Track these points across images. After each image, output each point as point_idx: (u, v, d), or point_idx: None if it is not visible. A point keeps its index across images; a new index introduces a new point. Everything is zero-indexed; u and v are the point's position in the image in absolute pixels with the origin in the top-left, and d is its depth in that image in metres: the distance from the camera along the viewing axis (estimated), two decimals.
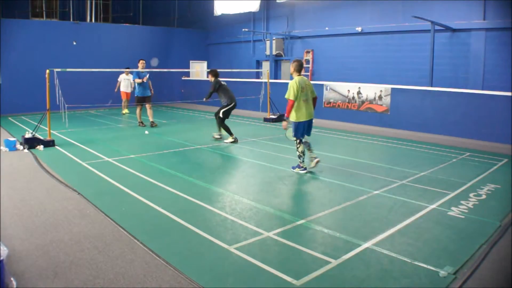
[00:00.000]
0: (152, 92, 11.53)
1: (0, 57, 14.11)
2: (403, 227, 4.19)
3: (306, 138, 6.41)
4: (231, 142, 8.88)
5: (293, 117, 6.24)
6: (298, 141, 6.33)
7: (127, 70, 13.97)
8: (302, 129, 6.26)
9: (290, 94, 6.11)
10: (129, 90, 14.34)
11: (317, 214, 4.57)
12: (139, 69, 11.05)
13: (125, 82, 14.30)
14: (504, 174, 6.51)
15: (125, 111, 14.62)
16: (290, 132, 6.48)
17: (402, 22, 12.68)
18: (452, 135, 9.97)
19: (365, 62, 13.82)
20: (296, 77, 6.23)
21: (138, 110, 11.35)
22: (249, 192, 5.50)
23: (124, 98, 14.52)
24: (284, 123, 6.44)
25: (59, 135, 9.65)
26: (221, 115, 9.05)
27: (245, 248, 3.65)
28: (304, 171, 6.34)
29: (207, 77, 9.54)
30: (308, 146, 6.40)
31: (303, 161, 6.38)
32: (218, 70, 9.49)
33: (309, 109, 6.26)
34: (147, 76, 11.05)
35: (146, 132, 10.41)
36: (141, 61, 11.21)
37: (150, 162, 7.09)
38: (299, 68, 6.28)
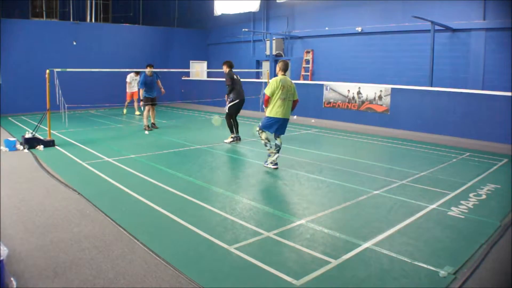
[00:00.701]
0: (163, 91, 11.13)
1: (0, 57, 14.11)
2: (403, 227, 4.19)
3: (279, 141, 6.65)
4: (230, 142, 8.83)
5: (268, 111, 6.48)
6: (260, 131, 6.59)
7: (136, 70, 13.60)
8: (274, 126, 6.47)
9: (267, 90, 6.40)
10: (135, 90, 13.97)
11: (317, 214, 4.57)
12: (147, 73, 10.53)
13: (134, 83, 13.86)
14: (504, 174, 6.51)
15: (125, 111, 14.49)
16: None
17: (402, 22, 12.68)
18: (452, 135, 9.97)
19: (365, 62, 13.81)
20: (280, 76, 6.44)
21: (146, 112, 10.64)
22: (249, 192, 5.50)
23: (129, 98, 14.25)
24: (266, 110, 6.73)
25: (59, 135, 9.65)
26: (227, 110, 8.87)
27: (245, 248, 3.65)
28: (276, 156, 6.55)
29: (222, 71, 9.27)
30: (277, 150, 6.62)
31: (271, 147, 6.60)
32: (218, 70, 9.45)
33: (286, 109, 6.43)
34: (156, 81, 10.78)
35: (146, 132, 10.40)
36: (148, 67, 10.61)
37: (150, 162, 7.10)
38: (285, 68, 6.47)
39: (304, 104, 13.55)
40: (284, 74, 6.48)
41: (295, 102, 6.62)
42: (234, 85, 8.75)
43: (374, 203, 4.98)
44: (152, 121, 10.99)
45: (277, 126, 6.49)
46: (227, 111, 8.89)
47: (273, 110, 6.40)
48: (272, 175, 6.32)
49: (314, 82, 14.08)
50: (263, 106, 6.63)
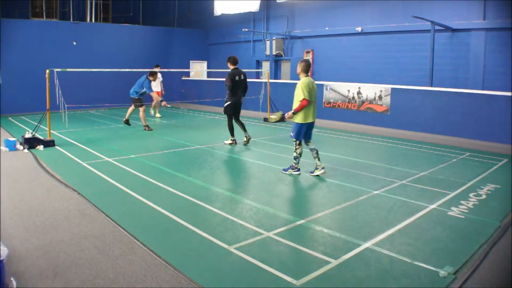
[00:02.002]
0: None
1: (0, 57, 14.11)
2: (403, 227, 4.19)
3: (312, 144, 6.24)
4: (229, 144, 8.72)
5: (299, 119, 6.06)
6: (297, 142, 6.19)
7: (157, 69, 13.13)
8: (305, 131, 6.14)
9: (304, 94, 5.92)
10: (159, 89, 13.31)
11: (317, 214, 4.57)
12: (150, 78, 10.71)
13: (157, 81, 13.24)
14: (504, 174, 6.50)
15: (158, 114, 13.72)
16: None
17: (402, 22, 12.68)
18: (452, 135, 9.96)
19: (365, 62, 13.81)
20: (304, 78, 6.05)
21: (141, 113, 10.78)
22: (249, 192, 5.50)
23: (155, 99, 13.37)
24: (288, 114, 6.18)
25: (59, 135, 9.65)
26: (223, 111, 8.70)
27: (245, 248, 3.65)
28: (298, 172, 6.25)
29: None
30: (316, 153, 6.18)
31: (298, 163, 6.26)
32: (218, 70, 9.33)
33: (315, 111, 6.17)
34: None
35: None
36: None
37: (150, 162, 7.10)
38: (307, 69, 6.08)
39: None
40: (307, 75, 6.11)
41: None
42: (233, 87, 8.37)
43: (374, 203, 4.98)
44: (127, 117, 11.05)
45: (305, 131, 6.15)
46: (223, 112, 8.73)
47: (306, 116, 6.02)
48: (272, 176, 6.31)
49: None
50: (295, 110, 6.04)
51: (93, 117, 13.90)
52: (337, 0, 14.57)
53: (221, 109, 8.91)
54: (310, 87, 6.01)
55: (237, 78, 8.41)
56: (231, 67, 8.56)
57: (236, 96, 8.50)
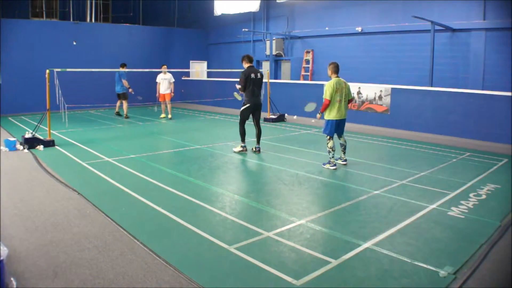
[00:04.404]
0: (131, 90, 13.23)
1: (0, 57, 14.11)
2: (403, 227, 4.19)
3: (342, 140, 6.92)
4: (239, 151, 7.95)
5: (326, 115, 6.72)
6: (328, 137, 6.72)
7: (165, 68, 13.08)
8: (331, 127, 6.67)
9: (326, 94, 6.55)
10: (166, 91, 13.12)
11: (317, 214, 4.57)
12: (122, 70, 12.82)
13: (164, 83, 13.06)
14: (504, 174, 6.50)
15: (163, 115, 13.61)
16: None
17: (402, 22, 12.68)
18: (452, 135, 9.96)
19: (365, 62, 13.81)
20: (334, 79, 6.62)
21: (126, 104, 13.50)
22: (249, 192, 5.50)
23: (162, 100, 13.31)
24: (318, 115, 6.90)
25: (59, 135, 9.65)
26: (239, 114, 7.93)
27: (245, 248, 3.65)
28: (334, 168, 6.63)
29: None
30: (344, 148, 6.91)
31: (333, 157, 6.68)
32: (218, 70, 9.18)
33: (342, 110, 6.66)
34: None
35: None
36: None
37: (150, 162, 7.10)
38: (336, 70, 6.67)
39: (303, 104, 13.55)
40: (337, 76, 6.65)
41: (350, 101, 6.86)
42: (247, 86, 7.70)
43: (374, 203, 4.98)
44: (122, 111, 13.57)
45: (336, 127, 6.71)
46: (239, 115, 7.96)
47: (331, 114, 6.63)
48: (272, 176, 6.32)
49: (314, 82, 14.07)
50: (320, 111, 6.80)
51: (93, 117, 13.90)
52: (337, 0, 14.57)
53: (222, 109, 8.85)
54: (334, 88, 6.53)
55: (252, 76, 7.72)
56: (246, 65, 7.93)
57: (253, 97, 7.75)
